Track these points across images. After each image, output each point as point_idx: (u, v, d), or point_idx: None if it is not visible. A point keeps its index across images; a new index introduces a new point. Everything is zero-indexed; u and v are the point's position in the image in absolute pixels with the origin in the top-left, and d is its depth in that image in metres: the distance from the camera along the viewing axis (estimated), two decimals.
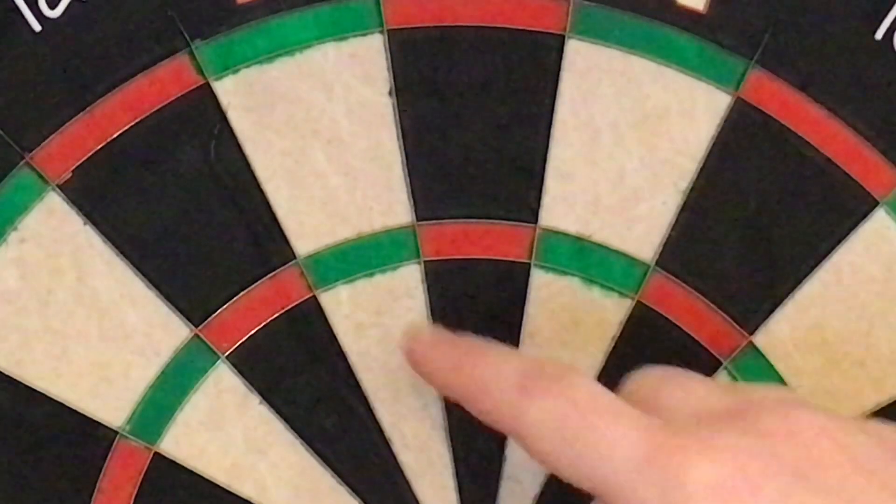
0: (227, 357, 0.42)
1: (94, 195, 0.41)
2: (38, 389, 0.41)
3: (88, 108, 0.41)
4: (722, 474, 0.33)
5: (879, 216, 0.43)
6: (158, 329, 0.41)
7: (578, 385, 0.35)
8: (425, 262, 0.42)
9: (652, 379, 0.37)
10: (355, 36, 0.42)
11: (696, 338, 0.42)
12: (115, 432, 0.41)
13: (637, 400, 0.36)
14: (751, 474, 0.33)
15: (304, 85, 0.42)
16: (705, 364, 0.43)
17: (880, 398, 0.43)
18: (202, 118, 0.42)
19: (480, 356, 0.38)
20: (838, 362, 0.43)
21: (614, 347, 0.43)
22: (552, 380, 0.36)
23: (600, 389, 0.36)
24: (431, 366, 0.39)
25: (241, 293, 0.42)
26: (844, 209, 0.43)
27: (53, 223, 0.41)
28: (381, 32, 0.42)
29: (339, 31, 0.42)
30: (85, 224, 0.41)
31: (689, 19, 0.43)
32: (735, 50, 0.43)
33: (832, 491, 0.34)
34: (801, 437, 0.34)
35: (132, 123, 0.41)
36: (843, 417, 0.36)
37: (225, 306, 0.42)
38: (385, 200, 0.42)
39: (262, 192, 0.42)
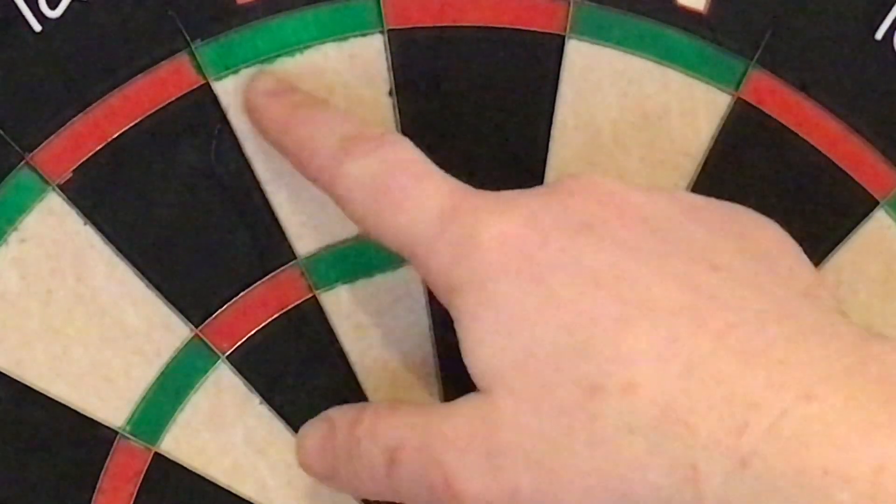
0: (227, 357, 0.42)
1: (94, 195, 0.41)
2: (38, 389, 0.41)
3: (88, 108, 0.41)
4: (512, 226, 0.35)
5: (879, 216, 0.43)
6: (158, 329, 0.41)
7: (394, 146, 0.37)
8: None
9: None
10: (355, 36, 0.42)
11: None
12: (116, 432, 0.41)
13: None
14: (540, 226, 0.35)
15: (304, 85, 0.42)
16: None
17: None
18: (202, 118, 0.42)
19: (308, 116, 0.39)
20: None
21: None
22: (370, 140, 0.37)
23: (417, 152, 0.37)
24: (265, 119, 0.40)
25: (242, 293, 0.42)
26: (844, 209, 0.43)
27: (53, 223, 0.41)
28: (382, 32, 0.42)
29: (339, 31, 0.42)
30: (85, 224, 0.41)
31: (689, 19, 0.43)
32: (735, 50, 0.43)
33: (617, 242, 0.35)
34: (595, 196, 0.36)
35: (132, 123, 0.41)
36: (650, 188, 0.37)
37: (225, 306, 0.42)
38: None
39: (262, 192, 0.42)
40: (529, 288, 0.34)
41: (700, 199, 0.37)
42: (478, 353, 0.35)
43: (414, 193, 0.36)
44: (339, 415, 0.38)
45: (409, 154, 0.37)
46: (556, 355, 0.34)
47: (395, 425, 0.36)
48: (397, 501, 0.37)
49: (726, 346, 0.33)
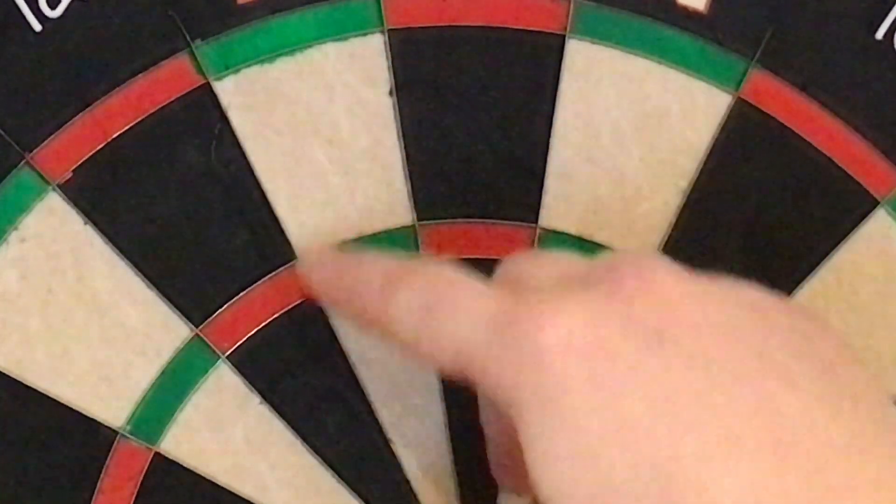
0: (227, 357, 0.42)
1: (94, 195, 0.41)
2: (39, 389, 0.41)
3: (89, 108, 0.41)
4: (576, 332, 0.32)
5: (880, 216, 0.43)
6: (159, 329, 0.41)
7: (437, 268, 0.35)
8: None
9: (515, 262, 0.36)
10: (356, 36, 0.42)
11: None
12: (116, 432, 0.41)
13: (503, 281, 0.36)
14: (607, 334, 0.32)
15: (304, 85, 0.42)
16: None
17: None
18: (202, 118, 0.42)
19: (355, 265, 0.38)
20: None
21: None
22: (414, 271, 0.36)
23: (461, 272, 0.35)
24: (320, 286, 0.40)
25: (242, 293, 0.42)
26: (845, 209, 0.43)
27: (54, 223, 0.41)
28: (382, 32, 0.42)
29: (339, 30, 0.42)
30: (85, 224, 0.41)
31: (689, 19, 0.43)
32: (735, 50, 0.43)
33: (689, 358, 0.33)
34: (658, 300, 0.33)
35: (132, 123, 0.41)
36: (706, 278, 0.35)
37: (225, 306, 0.42)
38: (385, 200, 0.42)
39: (262, 191, 0.42)
40: (602, 409, 0.32)
41: (761, 299, 0.35)
42: (551, 477, 0.32)
43: (464, 303, 0.34)
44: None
45: (452, 273, 0.35)
46: (637, 493, 0.32)
47: None
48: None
49: (813, 483, 0.32)
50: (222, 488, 0.41)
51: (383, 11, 0.42)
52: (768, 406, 0.32)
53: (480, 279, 0.35)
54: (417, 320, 0.35)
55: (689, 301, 0.34)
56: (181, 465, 0.41)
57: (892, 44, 0.44)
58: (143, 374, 0.41)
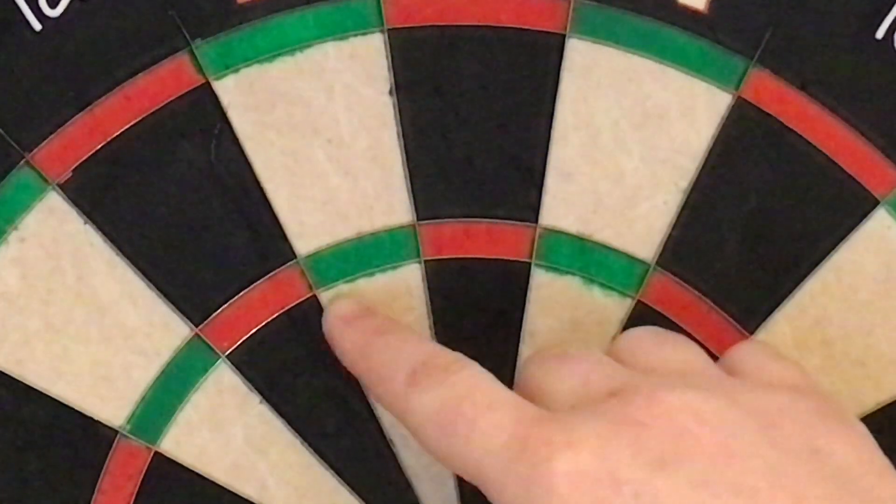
0: (227, 357, 0.42)
1: (94, 195, 0.41)
2: (39, 389, 0.41)
3: (88, 108, 0.41)
4: (584, 465, 0.34)
5: (880, 215, 0.43)
6: (158, 329, 0.41)
7: (462, 374, 0.36)
8: (426, 261, 0.42)
9: (539, 366, 0.37)
10: (356, 35, 0.42)
11: (697, 337, 0.42)
12: (116, 432, 0.41)
13: (526, 386, 0.37)
14: (612, 464, 0.34)
15: (304, 84, 0.42)
16: None
17: (880, 398, 0.43)
18: (202, 118, 0.42)
19: (384, 344, 0.39)
20: (838, 362, 0.43)
21: None
22: (439, 370, 0.36)
23: (485, 378, 0.36)
24: (343, 346, 0.40)
25: (242, 293, 0.42)
26: (845, 208, 0.43)
27: (53, 223, 0.41)
28: (382, 32, 0.42)
29: (339, 30, 0.42)
30: (85, 224, 0.41)
31: (689, 19, 0.43)
32: (735, 49, 0.43)
33: (695, 481, 0.33)
34: (666, 421, 0.34)
35: (132, 123, 0.41)
36: (723, 394, 0.35)
37: (225, 306, 0.42)
38: (385, 200, 0.42)
39: (262, 191, 0.42)
40: None
41: (778, 411, 0.36)
42: None
43: (480, 426, 0.35)
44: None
45: (475, 381, 0.36)
46: None
47: None
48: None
49: None
50: (222, 488, 0.41)
51: (383, 11, 0.42)
52: None
53: (502, 388, 0.36)
54: (436, 427, 0.36)
55: (699, 423, 0.34)
56: (181, 465, 0.41)
57: (892, 44, 0.44)
58: (142, 374, 0.41)
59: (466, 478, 0.36)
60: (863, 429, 0.36)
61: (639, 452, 0.34)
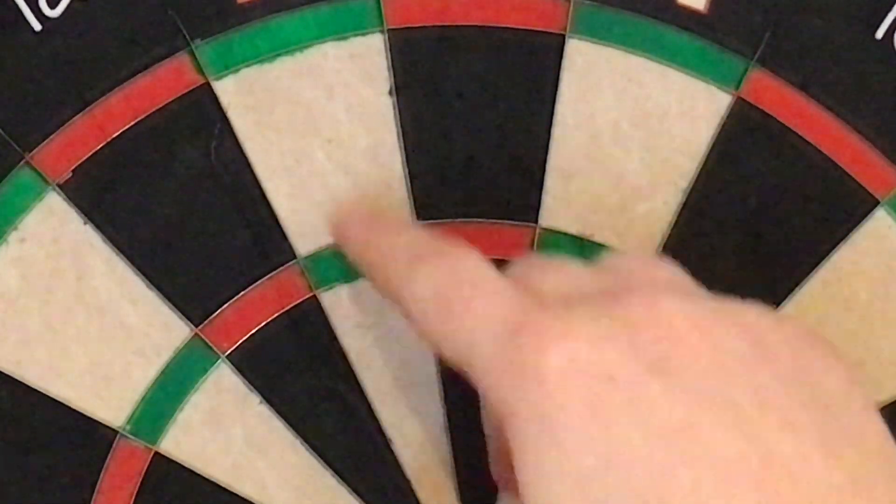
0: (227, 357, 0.42)
1: (94, 195, 0.41)
2: (38, 389, 0.41)
3: (88, 108, 0.41)
4: (579, 356, 0.33)
5: (880, 216, 0.43)
6: (158, 329, 0.41)
7: (463, 259, 0.35)
8: None
9: (529, 264, 0.37)
10: (355, 35, 0.42)
11: None
12: (116, 432, 0.41)
13: (516, 284, 0.36)
14: (610, 360, 0.33)
15: (304, 84, 0.42)
16: None
17: (880, 398, 0.43)
18: (202, 118, 0.42)
19: (384, 231, 0.38)
20: None
21: None
22: (440, 253, 0.36)
23: (485, 265, 0.35)
24: (348, 241, 0.40)
25: (242, 293, 0.42)
26: (844, 209, 0.43)
27: (53, 223, 0.41)
28: (382, 32, 0.42)
29: (339, 30, 0.42)
30: (85, 224, 0.41)
31: (689, 19, 0.43)
32: (735, 50, 0.43)
33: (689, 389, 0.33)
34: (664, 327, 0.33)
35: (132, 123, 0.41)
36: (717, 308, 0.35)
37: (225, 306, 0.42)
38: (385, 200, 0.42)
39: (262, 191, 0.42)
40: (598, 434, 0.32)
41: (768, 328, 0.35)
42: (539, 493, 0.33)
43: (475, 305, 0.34)
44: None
45: (474, 265, 0.35)
46: None
47: None
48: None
49: None
50: (222, 488, 0.41)
51: (383, 11, 0.42)
52: (765, 445, 0.32)
53: (503, 277, 0.35)
54: (433, 307, 0.35)
55: (694, 331, 0.34)
56: (181, 465, 0.41)
57: (892, 44, 0.44)
58: (142, 374, 0.41)
59: (457, 363, 0.35)
60: (847, 361, 0.35)
61: (635, 354, 0.33)
